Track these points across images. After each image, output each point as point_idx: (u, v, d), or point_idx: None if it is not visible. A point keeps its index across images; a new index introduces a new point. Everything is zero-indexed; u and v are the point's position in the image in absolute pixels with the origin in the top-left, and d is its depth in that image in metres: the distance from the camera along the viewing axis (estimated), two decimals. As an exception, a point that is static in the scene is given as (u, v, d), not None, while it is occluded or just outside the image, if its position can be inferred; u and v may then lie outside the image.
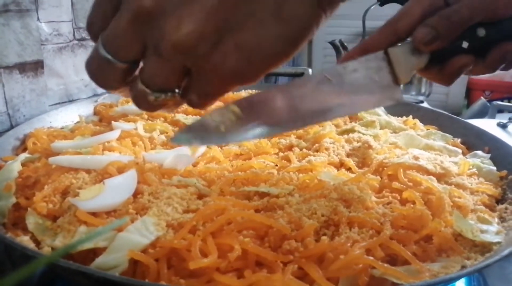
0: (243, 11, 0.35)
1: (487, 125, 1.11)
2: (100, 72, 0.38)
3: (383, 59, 0.46)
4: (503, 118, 1.25)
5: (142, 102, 0.39)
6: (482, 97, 1.46)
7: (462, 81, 1.53)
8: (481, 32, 0.45)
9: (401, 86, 0.47)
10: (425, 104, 1.42)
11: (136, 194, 0.53)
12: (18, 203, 0.53)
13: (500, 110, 1.36)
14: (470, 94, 1.61)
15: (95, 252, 0.44)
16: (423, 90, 1.40)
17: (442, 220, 0.50)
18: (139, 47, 0.36)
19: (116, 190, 0.51)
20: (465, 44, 0.46)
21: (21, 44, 0.81)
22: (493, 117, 1.33)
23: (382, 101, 0.47)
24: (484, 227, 0.52)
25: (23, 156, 0.64)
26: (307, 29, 0.38)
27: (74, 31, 0.91)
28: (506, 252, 0.44)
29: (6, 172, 0.59)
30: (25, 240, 0.45)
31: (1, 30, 0.77)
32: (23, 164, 0.62)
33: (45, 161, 0.61)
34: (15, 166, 0.59)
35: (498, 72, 1.46)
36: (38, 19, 0.83)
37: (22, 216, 0.51)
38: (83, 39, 0.93)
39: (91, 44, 0.95)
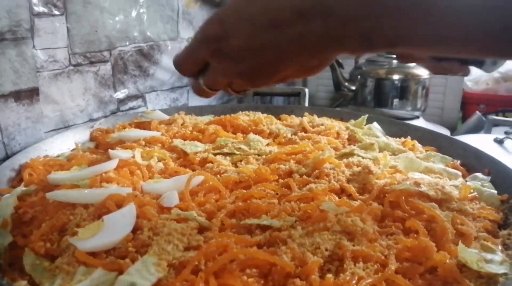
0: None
1: (484, 141, 1.11)
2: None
3: None
4: (498, 132, 1.25)
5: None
6: (477, 111, 1.47)
7: (457, 95, 1.53)
8: None
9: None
10: (421, 119, 1.43)
11: (136, 229, 0.52)
12: (15, 241, 0.52)
13: (496, 124, 1.36)
14: (465, 107, 1.62)
15: (95, 295, 0.43)
16: (418, 105, 1.41)
17: (446, 250, 0.50)
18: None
19: (115, 227, 0.50)
20: None
21: (17, 72, 0.80)
22: (489, 131, 1.33)
23: None
24: (489, 256, 0.52)
25: (19, 189, 0.63)
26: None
27: (69, 57, 0.90)
28: (513, 287, 0.43)
29: (2, 208, 0.58)
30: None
31: (-4, 59, 0.76)
32: (19, 198, 0.61)
33: (42, 194, 0.60)
34: (11, 201, 0.58)
35: (492, 85, 1.46)
36: (33, 46, 0.82)
37: (19, 255, 0.50)
38: (78, 64, 0.92)
39: (86, 69, 0.94)
